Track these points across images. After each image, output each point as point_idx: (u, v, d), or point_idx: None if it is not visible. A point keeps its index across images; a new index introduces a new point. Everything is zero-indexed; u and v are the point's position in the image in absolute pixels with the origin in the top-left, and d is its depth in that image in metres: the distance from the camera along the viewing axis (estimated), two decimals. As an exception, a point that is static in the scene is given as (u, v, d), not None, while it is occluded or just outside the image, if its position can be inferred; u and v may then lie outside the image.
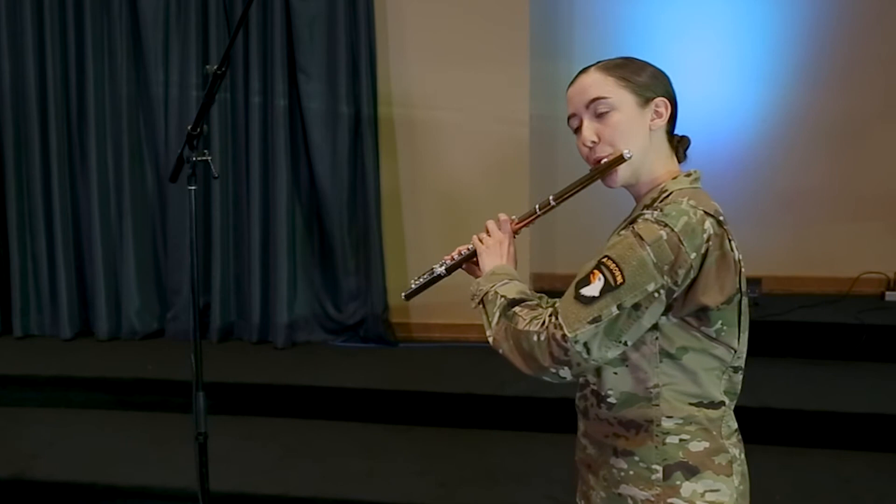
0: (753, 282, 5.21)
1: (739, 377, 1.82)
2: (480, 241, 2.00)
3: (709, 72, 5.56)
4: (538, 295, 1.85)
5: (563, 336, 1.64)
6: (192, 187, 2.78)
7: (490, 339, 1.81)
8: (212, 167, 2.75)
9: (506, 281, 1.87)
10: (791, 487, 3.75)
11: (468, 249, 2.04)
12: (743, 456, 1.84)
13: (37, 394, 4.94)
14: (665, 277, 1.65)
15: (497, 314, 1.80)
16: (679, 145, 1.91)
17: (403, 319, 5.55)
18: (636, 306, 1.65)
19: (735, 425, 1.84)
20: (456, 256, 2.07)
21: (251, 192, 5.47)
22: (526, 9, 5.20)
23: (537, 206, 1.94)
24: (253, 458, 4.15)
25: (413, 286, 2.12)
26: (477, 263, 2.02)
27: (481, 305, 1.87)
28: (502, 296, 1.81)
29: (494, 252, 1.96)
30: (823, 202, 5.66)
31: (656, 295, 1.65)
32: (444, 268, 2.07)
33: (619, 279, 1.64)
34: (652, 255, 1.64)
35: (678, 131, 1.93)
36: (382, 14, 5.36)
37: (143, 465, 4.11)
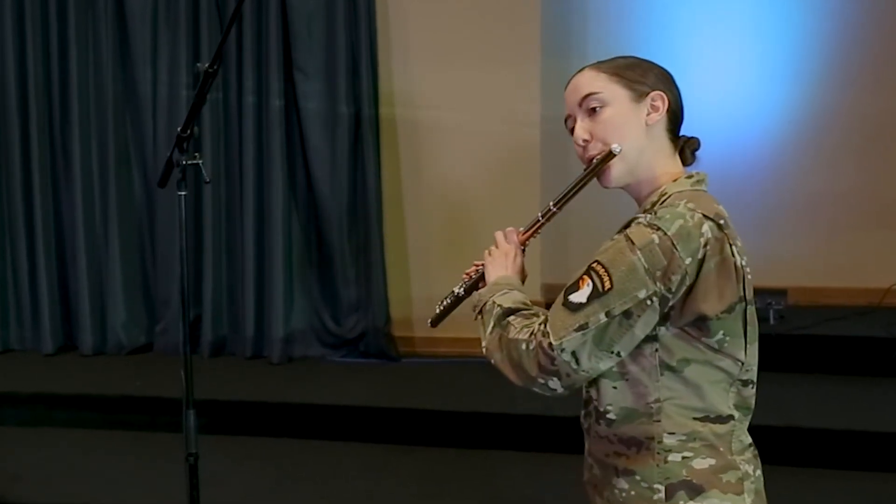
0: (779, 293, 5.20)
1: (750, 391, 1.81)
2: (489, 253, 2.02)
3: (730, 70, 5.56)
4: (538, 309, 1.85)
5: (550, 344, 1.67)
6: (182, 192, 2.79)
7: (484, 350, 1.84)
8: (203, 171, 2.77)
9: (505, 291, 1.89)
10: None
11: (482, 265, 2.06)
12: (759, 472, 1.83)
13: (17, 412, 4.94)
14: (658, 284, 1.66)
15: (492, 323, 1.83)
16: (686, 146, 1.92)
17: (406, 333, 5.55)
18: (627, 314, 1.67)
19: (749, 440, 1.82)
20: (473, 275, 2.09)
21: (245, 198, 5.48)
22: (537, 4, 5.21)
23: (540, 214, 1.96)
24: (247, 481, 4.15)
25: (437, 311, 2.15)
26: None
27: (480, 316, 1.90)
28: (499, 305, 1.84)
29: (499, 263, 1.98)
30: (853, 208, 5.65)
31: (648, 303, 1.67)
32: (462, 288, 2.09)
33: (608, 285, 1.67)
34: (643, 260, 1.66)
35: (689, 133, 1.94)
36: (384, 9, 5.37)
37: (130, 487, 4.12)
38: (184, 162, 2.74)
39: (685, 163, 1.91)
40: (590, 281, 1.70)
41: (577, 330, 1.67)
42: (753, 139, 5.61)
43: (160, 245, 5.68)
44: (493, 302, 1.86)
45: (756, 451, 1.84)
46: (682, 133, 1.92)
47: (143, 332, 5.81)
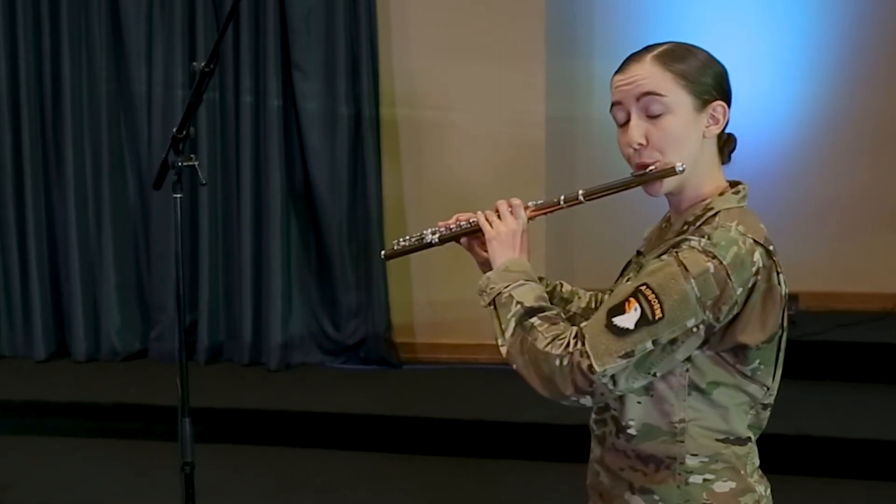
0: (790, 298, 5.17)
1: (767, 413, 1.80)
2: (489, 224, 1.91)
3: (740, 68, 5.46)
4: (558, 309, 1.81)
5: (590, 367, 1.61)
6: (178, 195, 2.79)
7: (502, 350, 1.76)
8: (199, 173, 2.77)
9: (521, 282, 1.80)
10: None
11: (470, 223, 1.98)
12: (768, 492, 1.82)
13: (8, 420, 4.94)
14: (707, 313, 1.62)
15: (513, 323, 1.74)
16: (724, 146, 1.85)
17: (408, 339, 5.54)
18: (672, 341, 1.63)
19: (758, 461, 1.82)
20: (454, 227, 2.00)
21: (242, 201, 5.48)
22: (541, 1, 5.20)
23: (562, 199, 1.89)
24: (244, 490, 4.15)
25: (395, 247, 2.08)
26: (476, 238, 1.97)
27: (493, 308, 1.81)
28: (518, 302, 1.76)
29: (507, 243, 1.88)
30: (866, 210, 5.64)
31: (695, 330, 1.63)
32: (437, 237, 2.01)
33: (658, 314, 1.61)
34: (696, 289, 1.61)
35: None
36: (385, 6, 5.37)
37: (124, 497, 4.12)
38: (179, 163, 2.74)
39: (722, 162, 1.86)
40: (637, 305, 1.63)
41: (622, 357, 1.61)
42: (763, 139, 5.59)
43: (155, 249, 5.67)
44: (511, 296, 1.78)
45: (762, 473, 1.83)
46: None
47: (137, 338, 5.81)
